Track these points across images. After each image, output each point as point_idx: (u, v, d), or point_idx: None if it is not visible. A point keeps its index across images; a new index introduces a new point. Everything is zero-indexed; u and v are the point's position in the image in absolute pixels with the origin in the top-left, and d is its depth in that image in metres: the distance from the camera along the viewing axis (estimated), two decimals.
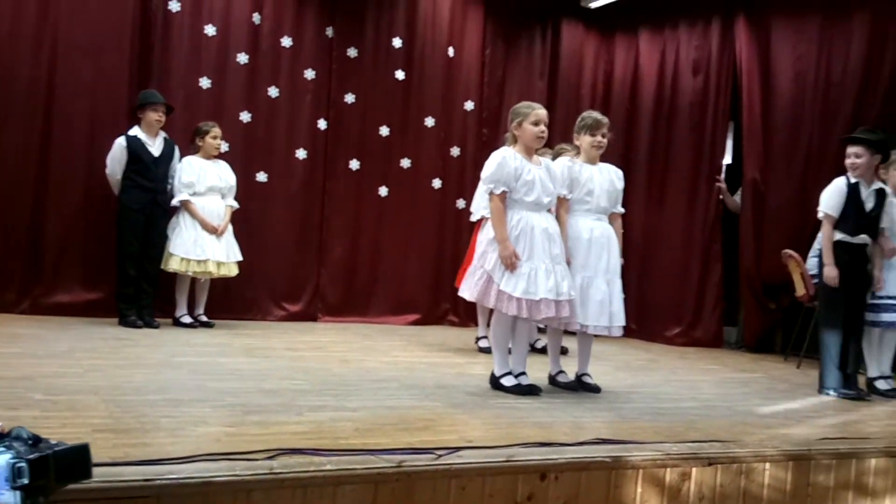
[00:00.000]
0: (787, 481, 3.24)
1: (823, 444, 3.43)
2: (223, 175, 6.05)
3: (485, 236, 4.22)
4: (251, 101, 6.59)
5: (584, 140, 4.46)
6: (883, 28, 6.21)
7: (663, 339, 7.17)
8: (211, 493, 2.34)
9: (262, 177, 6.63)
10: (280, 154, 6.70)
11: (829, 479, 3.33)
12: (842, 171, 4.99)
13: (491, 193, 4.12)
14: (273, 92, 6.67)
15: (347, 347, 5.40)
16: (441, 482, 2.65)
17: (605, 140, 4.44)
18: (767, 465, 3.20)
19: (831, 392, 4.78)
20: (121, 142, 5.66)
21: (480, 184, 5.56)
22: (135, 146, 5.66)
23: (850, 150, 4.87)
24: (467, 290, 4.19)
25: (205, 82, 6.41)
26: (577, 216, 4.40)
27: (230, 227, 6.03)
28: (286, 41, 6.70)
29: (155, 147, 5.76)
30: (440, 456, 2.71)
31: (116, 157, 5.66)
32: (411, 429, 3.14)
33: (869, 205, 4.82)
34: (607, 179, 4.48)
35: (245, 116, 6.56)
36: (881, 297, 4.97)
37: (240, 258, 6.03)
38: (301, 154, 6.77)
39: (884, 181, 5.05)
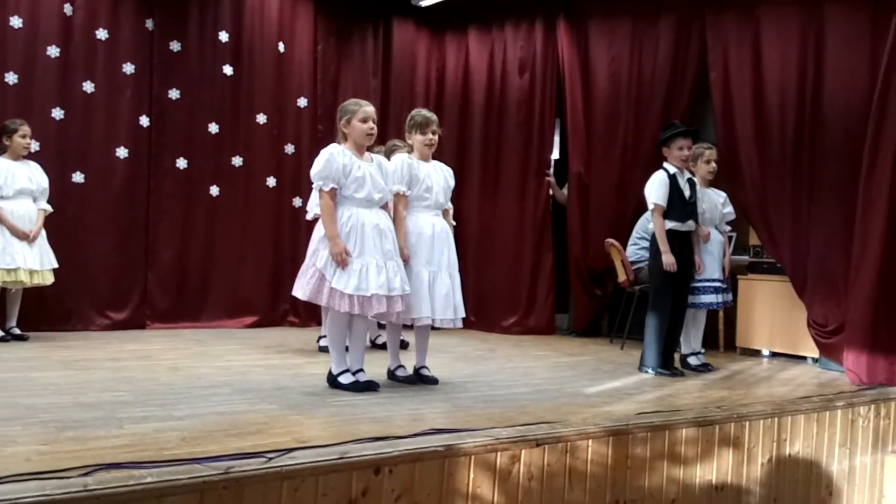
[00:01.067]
0: (609, 455, 3.45)
1: (640, 418, 3.68)
2: (34, 176, 5.62)
3: (317, 234, 4.19)
4: (64, 97, 6.17)
5: (415, 138, 4.52)
6: (687, 30, 6.73)
7: (500, 328, 7.41)
8: None
9: (78, 177, 6.22)
10: (98, 153, 6.31)
11: (645, 450, 3.57)
12: (655, 163, 5.37)
13: (320, 191, 4.10)
14: (88, 87, 6.27)
15: (178, 354, 5.18)
16: (272, 485, 2.60)
17: (435, 137, 4.53)
18: (590, 442, 3.39)
19: (649, 370, 5.13)
20: None
21: None
22: None
23: (684, 142, 5.23)
24: (300, 289, 4.15)
25: (11, 77, 5.94)
26: (417, 213, 4.46)
27: (43, 233, 5.61)
28: (101, 33, 6.32)
29: None
30: (271, 459, 2.66)
31: None
32: (242, 433, 3.05)
33: (687, 192, 5.21)
34: (441, 176, 4.58)
35: (57, 113, 6.13)
36: (700, 280, 5.41)
37: (55, 265, 5.63)
38: (122, 153, 6.41)
39: (693, 172, 5.48)
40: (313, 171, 4.13)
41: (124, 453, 2.66)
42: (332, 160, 4.08)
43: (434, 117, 4.55)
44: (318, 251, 4.09)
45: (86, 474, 2.39)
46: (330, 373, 4.19)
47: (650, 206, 5.19)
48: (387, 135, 7.53)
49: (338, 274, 4.00)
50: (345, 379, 4.13)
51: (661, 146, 5.28)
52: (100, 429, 3.04)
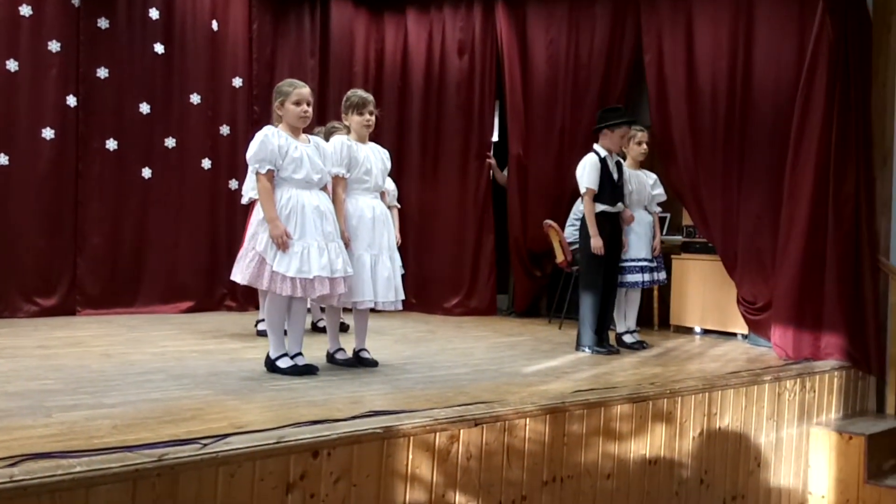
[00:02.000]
0: (546, 433, 3.50)
1: (576, 396, 3.75)
2: None
3: (255, 217, 4.12)
4: None
5: (352, 119, 4.48)
6: (622, 14, 6.81)
7: (442, 310, 7.44)
8: None
9: (2, 159, 5.98)
10: (23, 134, 6.07)
11: (581, 427, 3.64)
12: (591, 145, 5.43)
13: (257, 173, 4.03)
14: (12, 65, 6.02)
15: (110, 341, 5.04)
16: (207, 472, 2.57)
17: (372, 118, 4.49)
18: (527, 420, 3.44)
19: (586, 349, 5.23)
20: None
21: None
22: None
23: (630, 131, 5.40)
24: (239, 273, 4.08)
25: None
26: (356, 195, 4.42)
27: None
28: (25, 10, 6.07)
29: None
30: (206, 445, 2.62)
31: None
32: (177, 420, 3.00)
33: (616, 175, 5.30)
34: (379, 158, 4.55)
35: None
36: (626, 260, 5.51)
37: None
38: (48, 133, 6.18)
39: (622, 154, 5.57)
40: (249, 154, 4.06)
41: (53, 442, 2.59)
42: (266, 142, 4.01)
43: (371, 98, 4.51)
44: (257, 234, 4.02)
45: (12, 465, 2.32)
46: (268, 357, 4.15)
47: (582, 190, 5.26)
48: (325, 116, 7.43)
49: (278, 257, 3.94)
50: (283, 363, 4.10)
51: (600, 129, 5.32)
52: (27, 418, 2.95)
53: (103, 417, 2.99)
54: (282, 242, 3.93)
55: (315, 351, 4.52)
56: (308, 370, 4.11)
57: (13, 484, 2.21)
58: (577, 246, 6.27)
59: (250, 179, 5.33)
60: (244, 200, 5.60)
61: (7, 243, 5.97)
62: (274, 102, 4.16)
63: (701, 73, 6.11)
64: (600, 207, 5.22)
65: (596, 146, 5.33)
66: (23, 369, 3.94)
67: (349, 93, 4.55)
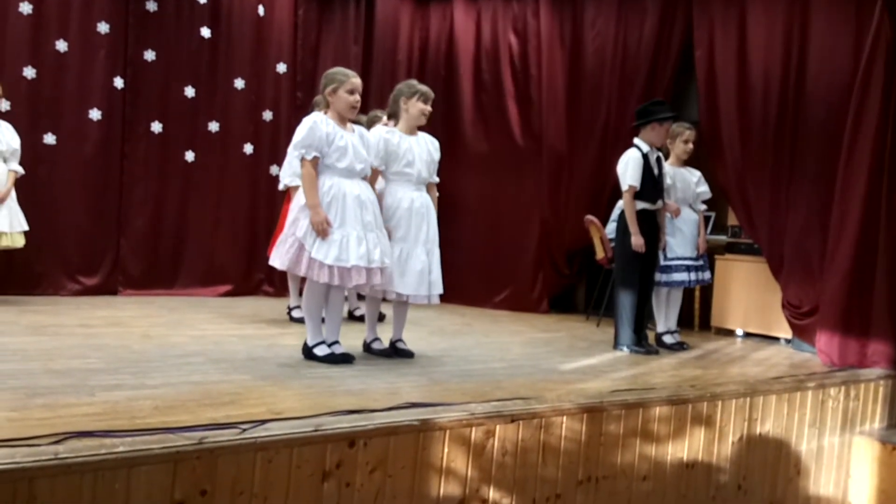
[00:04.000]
0: (582, 432, 3.46)
1: (614, 395, 3.69)
2: (4, 137, 5.48)
3: (296, 203, 4.11)
4: (36, 56, 6.00)
5: (415, 106, 4.38)
6: (673, 7, 6.68)
7: (491, 304, 7.35)
8: None
9: (50, 139, 6.08)
10: (71, 114, 6.17)
11: (619, 427, 3.59)
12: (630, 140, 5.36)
13: (302, 159, 4.02)
14: (62, 46, 6.10)
15: (150, 322, 5.10)
16: (246, 456, 2.58)
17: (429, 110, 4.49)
18: (564, 419, 3.40)
19: (624, 348, 5.16)
20: None
21: (290, 150, 5.43)
22: None
23: (681, 127, 5.36)
24: (278, 258, 4.08)
25: None
26: (396, 186, 4.40)
27: (14, 195, 5.49)
28: None
29: None
30: (245, 430, 2.63)
31: None
32: (216, 404, 3.02)
33: (656, 171, 5.20)
34: (425, 150, 4.50)
35: (29, 72, 5.97)
36: (671, 259, 5.42)
37: (25, 228, 5.51)
38: (95, 115, 6.26)
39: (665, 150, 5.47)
40: (296, 140, 4.05)
41: (96, 421, 2.62)
42: (315, 128, 4.00)
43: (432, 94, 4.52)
44: (298, 220, 4.01)
45: (57, 442, 2.35)
46: (305, 344, 4.16)
47: (624, 187, 5.15)
48: (368, 104, 7.40)
49: (318, 244, 3.94)
50: (320, 351, 4.10)
51: (648, 122, 5.18)
52: (70, 396, 2.99)
53: (145, 398, 3.02)
54: (322, 230, 3.92)
55: (352, 339, 4.53)
56: (344, 359, 4.11)
57: (57, 461, 2.24)
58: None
59: (290, 165, 5.34)
60: (281, 186, 5.62)
61: (53, 222, 6.07)
62: (325, 88, 4.13)
63: (753, 70, 5.97)
64: (641, 205, 5.14)
65: (637, 140, 5.22)
66: (66, 347, 4.00)
67: (414, 81, 4.51)
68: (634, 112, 5.37)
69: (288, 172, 5.39)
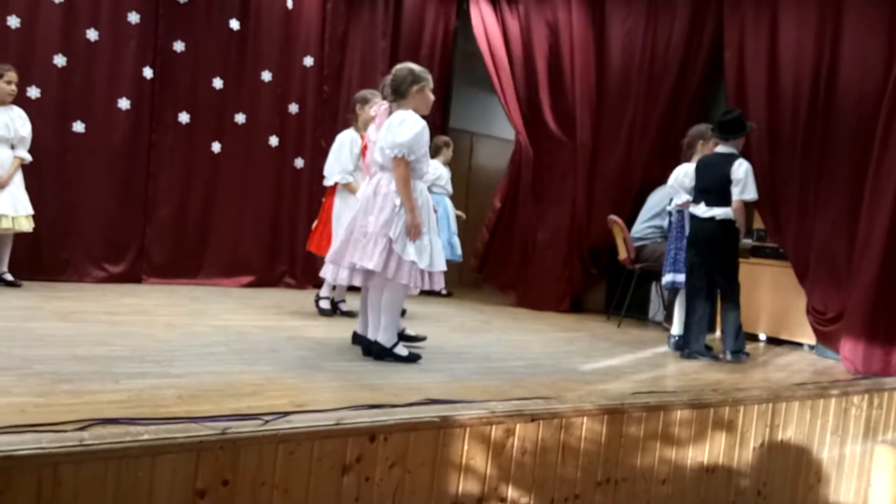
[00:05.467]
0: (603, 433, 3.45)
1: (635, 398, 3.67)
2: (13, 124, 5.52)
3: (387, 202, 3.90)
4: (67, 44, 6.05)
5: (428, 97, 4.07)
6: (704, 7, 6.63)
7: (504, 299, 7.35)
8: (12, 469, 2.16)
9: (79, 127, 6.13)
10: (100, 103, 6.21)
11: (639, 430, 3.58)
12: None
13: (402, 159, 3.85)
14: (92, 35, 6.15)
15: (174, 311, 5.14)
16: (268, 448, 2.59)
17: None
18: (585, 419, 3.39)
19: (698, 356, 5.05)
20: None
21: (336, 147, 5.45)
22: None
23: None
24: (369, 258, 3.85)
25: (13, 21, 5.81)
26: (417, 181, 4.30)
27: (20, 180, 5.54)
28: None
29: None
30: (267, 421, 2.65)
31: None
32: (239, 395, 3.04)
33: None
34: None
35: (59, 60, 6.02)
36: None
37: (30, 212, 5.55)
38: (124, 104, 6.31)
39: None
40: (403, 139, 3.83)
41: (120, 409, 2.64)
42: (425, 131, 3.87)
43: None
44: (391, 221, 3.86)
45: (82, 428, 2.37)
46: (377, 344, 4.04)
47: (749, 197, 5.01)
48: None
49: (412, 247, 3.87)
50: (402, 350, 4.05)
51: (743, 134, 5.11)
52: (95, 383, 3.02)
53: (168, 387, 3.05)
54: (417, 233, 3.86)
55: (343, 332, 4.52)
56: (417, 357, 4.11)
57: (83, 448, 2.27)
58: (644, 243, 6.18)
59: (338, 161, 5.33)
60: (328, 182, 5.49)
61: (80, 209, 6.13)
62: (412, 85, 3.94)
63: (783, 72, 5.91)
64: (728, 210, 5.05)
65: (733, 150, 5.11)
66: (91, 334, 4.04)
67: (420, 67, 4.24)
68: (722, 122, 5.12)
69: (336, 169, 5.36)
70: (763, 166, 5.97)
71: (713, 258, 5.11)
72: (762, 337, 6.29)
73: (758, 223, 6.30)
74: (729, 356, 5.11)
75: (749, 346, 5.98)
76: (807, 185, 5.72)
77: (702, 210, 5.11)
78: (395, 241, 3.84)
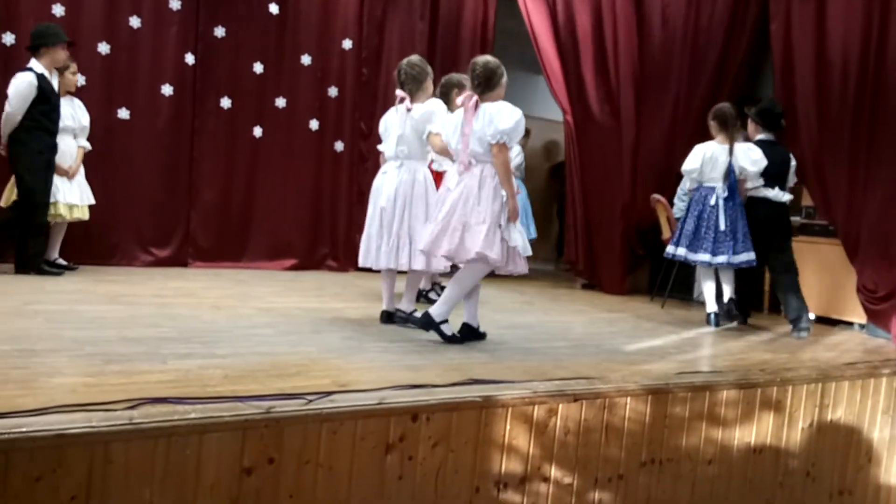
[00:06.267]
0: (647, 413, 3.41)
1: (681, 378, 3.63)
2: (76, 114, 5.65)
3: (497, 192, 3.93)
4: (111, 32, 6.15)
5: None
6: None
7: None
8: (65, 447, 2.22)
9: (123, 113, 6.24)
10: (144, 90, 6.31)
11: (684, 410, 3.53)
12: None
13: (502, 145, 3.89)
14: (135, 22, 6.24)
15: (219, 294, 5.23)
16: (312, 427, 2.62)
17: None
18: (629, 400, 3.36)
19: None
20: (31, 79, 5.18)
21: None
22: (44, 85, 5.24)
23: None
24: (488, 246, 3.87)
25: (58, 9, 5.93)
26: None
27: (82, 169, 5.68)
28: None
29: (56, 87, 5.38)
30: (311, 401, 2.68)
31: (25, 94, 5.17)
32: (283, 375, 3.08)
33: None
34: None
35: (104, 48, 6.13)
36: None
37: (92, 202, 5.70)
38: (167, 90, 6.40)
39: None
40: (505, 126, 3.87)
41: (169, 388, 2.70)
42: (524, 121, 3.96)
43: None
44: (498, 209, 3.91)
45: (131, 407, 2.42)
46: (427, 315, 4.06)
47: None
48: (434, 83, 7.38)
49: (515, 233, 3.95)
50: (447, 329, 4.09)
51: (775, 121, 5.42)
52: (144, 363, 3.08)
53: (215, 367, 3.10)
54: (516, 216, 3.96)
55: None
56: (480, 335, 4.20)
57: (132, 426, 2.32)
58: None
59: (432, 146, 5.24)
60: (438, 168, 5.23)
61: (127, 195, 6.26)
62: (502, 78, 4.02)
63: (831, 44, 5.73)
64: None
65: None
66: (140, 316, 4.13)
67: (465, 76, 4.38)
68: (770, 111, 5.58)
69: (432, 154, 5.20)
70: (811, 141, 5.82)
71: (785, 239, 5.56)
72: (811, 316, 6.15)
73: (806, 200, 6.16)
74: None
75: None
76: (857, 162, 5.56)
77: (776, 194, 5.48)
78: (504, 228, 3.91)
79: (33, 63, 5.28)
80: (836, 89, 5.69)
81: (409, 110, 4.44)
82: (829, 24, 5.76)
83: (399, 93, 4.50)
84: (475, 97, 3.99)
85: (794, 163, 5.58)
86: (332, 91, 7.16)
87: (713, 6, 6.63)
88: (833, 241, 5.86)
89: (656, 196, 6.41)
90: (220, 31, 6.57)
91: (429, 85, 4.53)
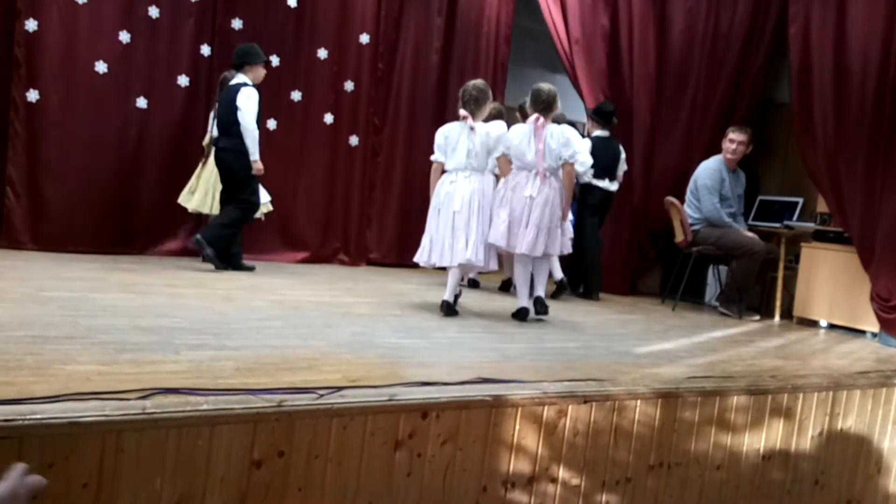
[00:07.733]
0: (656, 417, 3.40)
1: (691, 382, 3.62)
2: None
3: (561, 198, 4.92)
4: (130, 21, 6.17)
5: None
6: None
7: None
8: (78, 434, 2.23)
9: (141, 102, 6.26)
10: (161, 80, 6.33)
11: (694, 414, 3.52)
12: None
13: (572, 164, 4.94)
14: (154, 12, 6.26)
15: (231, 285, 5.24)
16: (322, 421, 2.63)
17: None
18: (638, 402, 3.35)
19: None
20: (257, 95, 5.77)
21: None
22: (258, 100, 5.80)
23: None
24: (560, 246, 4.98)
25: None
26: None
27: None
28: None
29: None
30: (322, 395, 2.68)
31: (256, 108, 5.75)
32: (294, 368, 3.09)
33: None
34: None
35: (124, 37, 6.15)
36: None
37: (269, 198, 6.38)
38: (183, 81, 6.42)
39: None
40: (578, 149, 5.02)
41: (181, 379, 2.70)
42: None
43: None
44: (560, 210, 4.89)
45: (144, 397, 2.43)
46: (540, 300, 5.01)
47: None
48: (448, 78, 7.41)
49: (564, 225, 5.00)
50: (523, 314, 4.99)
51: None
52: (157, 353, 3.09)
53: (227, 359, 3.11)
54: (565, 218, 4.98)
55: (393, 309, 4.54)
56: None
57: (145, 416, 2.33)
58: (699, 226, 6.07)
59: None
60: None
61: (142, 183, 6.28)
62: (556, 102, 4.89)
63: (850, 48, 5.69)
64: None
65: None
66: (153, 306, 4.14)
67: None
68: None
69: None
70: (827, 147, 5.79)
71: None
72: (823, 323, 6.12)
73: (821, 206, 6.12)
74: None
75: (808, 332, 5.87)
76: (873, 169, 5.53)
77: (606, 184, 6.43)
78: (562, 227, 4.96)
79: (243, 77, 5.80)
80: (855, 95, 5.65)
81: (472, 129, 4.85)
82: (848, 29, 5.72)
83: (462, 112, 4.90)
84: (541, 118, 4.82)
85: (623, 155, 6.47)
86: (349, 85, 7.16)
87: (734, 10, 6.60)
88: (847, 248, 5.83)
89: (670, 199, 6.38)
90: (237, 23, 6.58)
91: (487, 107, 5.00)
